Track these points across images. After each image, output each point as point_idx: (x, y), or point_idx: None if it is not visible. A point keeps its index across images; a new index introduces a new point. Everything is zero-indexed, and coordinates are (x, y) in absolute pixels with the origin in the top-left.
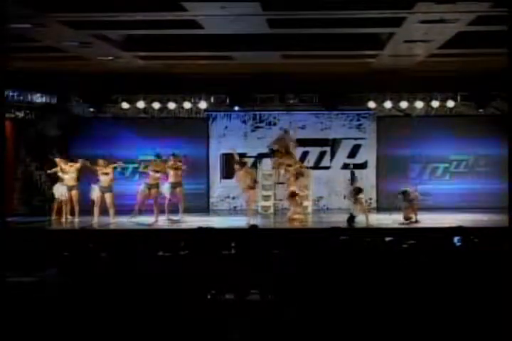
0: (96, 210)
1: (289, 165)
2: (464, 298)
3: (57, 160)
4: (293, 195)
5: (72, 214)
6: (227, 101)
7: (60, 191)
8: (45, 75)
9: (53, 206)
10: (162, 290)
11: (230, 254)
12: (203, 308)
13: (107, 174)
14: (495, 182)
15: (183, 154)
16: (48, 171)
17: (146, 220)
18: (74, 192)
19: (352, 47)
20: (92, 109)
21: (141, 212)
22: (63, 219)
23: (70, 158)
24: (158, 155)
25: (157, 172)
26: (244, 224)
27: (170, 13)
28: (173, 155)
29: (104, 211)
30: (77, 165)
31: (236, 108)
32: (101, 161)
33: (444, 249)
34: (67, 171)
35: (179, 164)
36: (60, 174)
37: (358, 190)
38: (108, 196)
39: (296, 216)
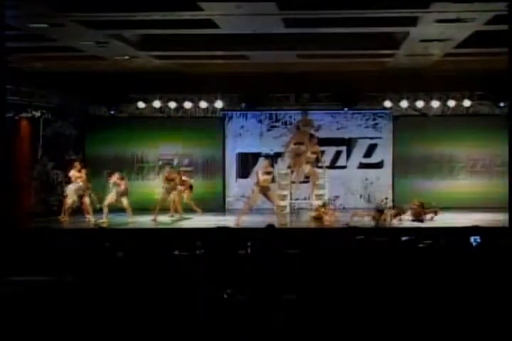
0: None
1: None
2: (481, 298)
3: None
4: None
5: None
6: (243, 100)
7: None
8: (61, 75)
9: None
10: (178, 289)
11: (246, 254)
12: (219, 307)
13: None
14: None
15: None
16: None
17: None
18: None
19: (368, 47)
20: (112, 111)
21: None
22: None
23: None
24: (172, 166)
25: (170, 180)
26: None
27: (186, 13)
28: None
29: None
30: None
31: (243, 105)
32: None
33: (461, 248)
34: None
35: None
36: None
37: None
38: (124, 199)
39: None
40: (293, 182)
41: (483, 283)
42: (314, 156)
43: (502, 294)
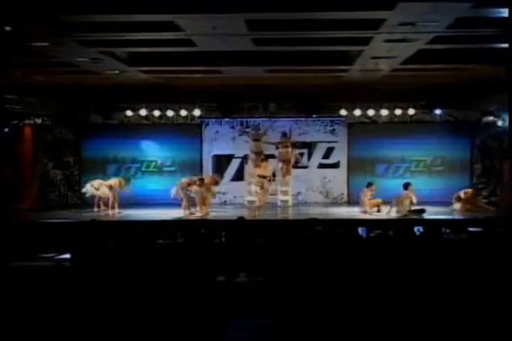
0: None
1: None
2: (419, 280)
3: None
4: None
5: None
6: (218, 109)
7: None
8: (60, 87)
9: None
10: (161, 273)
11: (221, 242)
12: (197, 289)
13: None
14: (449, 179)
15: None
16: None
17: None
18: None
19: (326, 63)
20: (104, 118)
21: None
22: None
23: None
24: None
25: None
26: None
27: (168, 33)
28: None
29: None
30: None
31: (226, 116)
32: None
33: (407, 236)
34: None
35: None
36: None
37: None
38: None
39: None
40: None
41: (427, 267)
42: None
43: (441, 276)
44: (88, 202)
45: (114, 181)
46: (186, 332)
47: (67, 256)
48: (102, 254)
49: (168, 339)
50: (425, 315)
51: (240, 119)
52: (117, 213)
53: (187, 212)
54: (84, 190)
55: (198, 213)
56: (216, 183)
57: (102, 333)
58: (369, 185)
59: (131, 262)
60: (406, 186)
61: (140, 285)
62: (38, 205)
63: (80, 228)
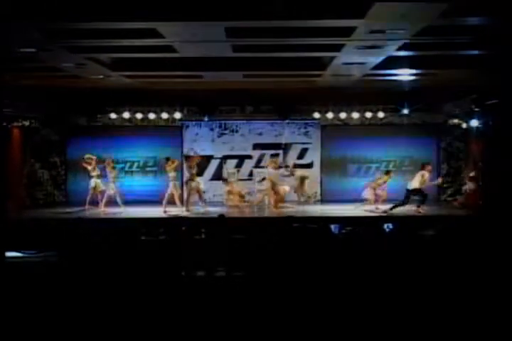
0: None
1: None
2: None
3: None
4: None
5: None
6: (198, 112)
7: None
8: (47, 90)
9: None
10: (144, 268)
11: (201, 239)
12: (179, 283)
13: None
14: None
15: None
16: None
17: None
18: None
19: (300, 68)
20: (89, 121)
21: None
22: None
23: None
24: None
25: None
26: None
27: (150, 40)
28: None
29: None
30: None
31: (206, 119)
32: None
33: (376, 233)
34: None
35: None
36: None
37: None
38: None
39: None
40: (239, 180)
41: (396, 262)
42: None
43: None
44: (73, 201)
45: None
46: (167, 324)
47: (55, 252)
48: (87, 250)
49: (151, 331)
50: (383, 299)
51: (218, 122)
52: (102, 211)
53: (165, 211)
54: (93, 185)
55: (184, 212)
56: (193, 161)
57: (86, 325)
58: (387, 172)
59: (115, 258)
60: (423, 166)
61: (123, 280)
62: (26, 204)
63: (67, 225)
